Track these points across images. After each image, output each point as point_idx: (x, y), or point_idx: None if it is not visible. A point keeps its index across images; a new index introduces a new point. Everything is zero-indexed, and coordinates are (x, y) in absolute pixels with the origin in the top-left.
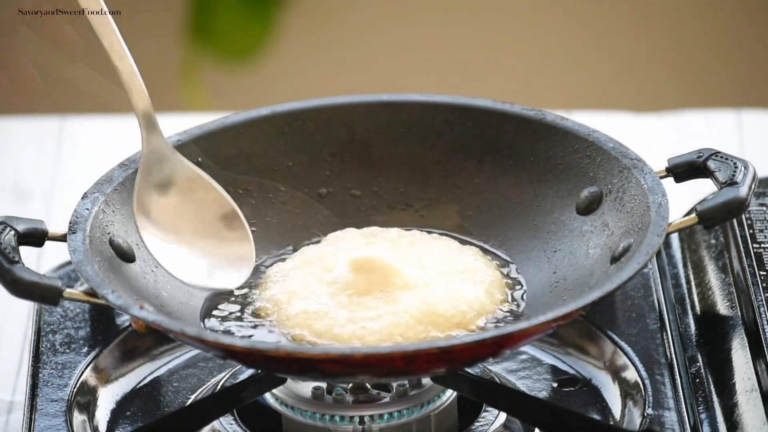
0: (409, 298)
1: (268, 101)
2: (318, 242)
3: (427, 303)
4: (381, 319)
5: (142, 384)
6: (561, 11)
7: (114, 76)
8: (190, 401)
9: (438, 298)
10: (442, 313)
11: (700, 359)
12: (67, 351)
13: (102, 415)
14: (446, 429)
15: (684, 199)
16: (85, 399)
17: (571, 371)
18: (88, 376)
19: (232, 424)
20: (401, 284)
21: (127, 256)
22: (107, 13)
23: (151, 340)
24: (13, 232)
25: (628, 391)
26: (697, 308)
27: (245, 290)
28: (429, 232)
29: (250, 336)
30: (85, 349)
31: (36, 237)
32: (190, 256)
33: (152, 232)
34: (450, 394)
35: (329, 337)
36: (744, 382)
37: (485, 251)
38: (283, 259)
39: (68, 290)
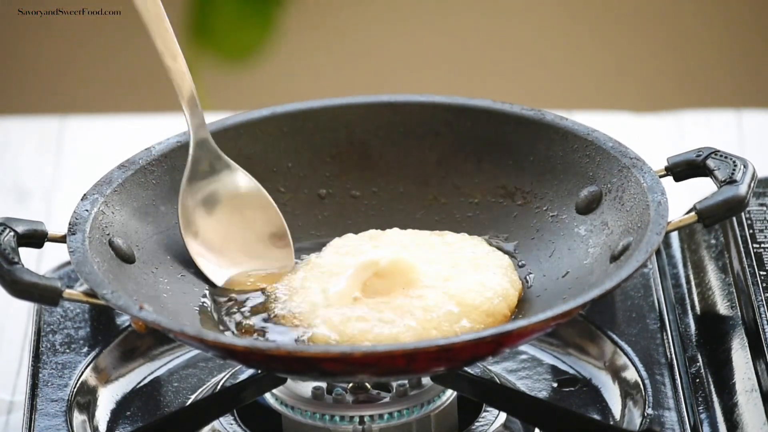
0: (434, 293)
1: (268, 101)
2: (319, 252)
3: (454, 296)
4: (411, 315)
5: (142, 384)
6: (561, 11)
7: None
8: (190, 401)
9: (464, 289)
10: (470, 302)
11: (700, 359)
12: (67, 351)
13: (102, 415)
14: (446, 429)
15: (683, 198)
16: (85, 399)
17: (571, 371)
18: (88, 376)
19: (232, 424)
20: (422, 282)
21: (126, 257)
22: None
23: (151, 340)
24: (12, 234)
25: (628, 391)
26: (697, 308)
27: (260, 300)
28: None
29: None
30: (85, 349)
31: (36, 238)
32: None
33: (198, 245)
34: (450, 394)
35: (364, 340)
36: (744, 382)
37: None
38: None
39: (68, 291)
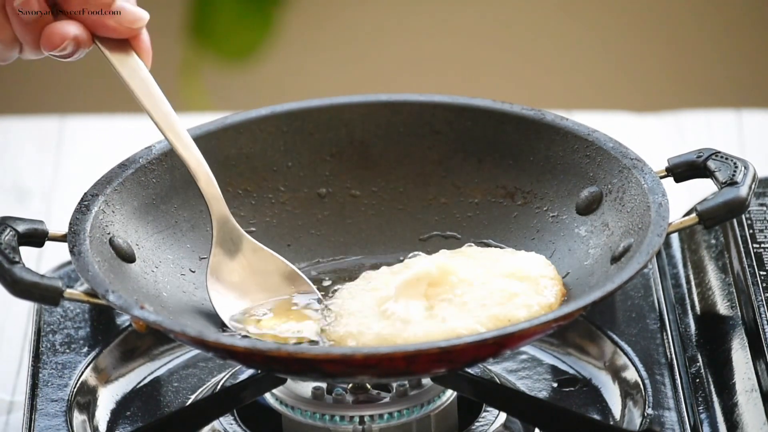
0: (492, 281)
1: (268, 101)
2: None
3: (512, 274)
4: (491, 303)
5: (142, 384)
6: (561, 11)
7: None
8: (190, 401)
9: (516, 267)
10: (533, 274)
11: (700, 359)
12: (67, 351)
13: (102, 415)
14: (446, 429)
15: (684, 199)
16: (85, 399)
17: (571, 371)
18: (88, 376)
19: (232, 424)
20: (471, 278)
21: (127, 257)
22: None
23: (151, 340)
24: (13, 233)
25: (628, 391)
26: (697, 308)
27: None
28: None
29: None
30: (85, 349)
31: (36, 237)
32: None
33: (222, 293)
34: (450, 394)
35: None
36: (744, 382)
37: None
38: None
39: (69, 290)
